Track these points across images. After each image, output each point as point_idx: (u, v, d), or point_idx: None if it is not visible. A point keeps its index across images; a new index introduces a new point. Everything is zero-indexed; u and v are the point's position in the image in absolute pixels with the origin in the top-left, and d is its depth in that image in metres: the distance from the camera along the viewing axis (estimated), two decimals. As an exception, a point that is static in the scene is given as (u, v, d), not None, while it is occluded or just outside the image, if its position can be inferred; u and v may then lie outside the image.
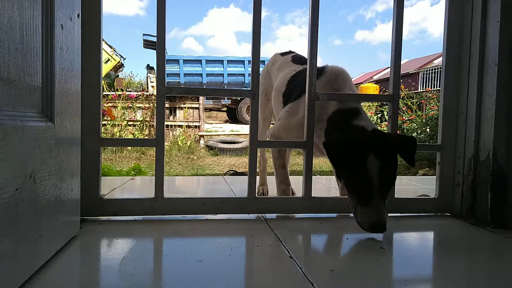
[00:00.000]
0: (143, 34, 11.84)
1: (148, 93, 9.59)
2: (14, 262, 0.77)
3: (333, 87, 1.53)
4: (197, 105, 9.69)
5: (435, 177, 1.65)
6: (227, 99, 12.86)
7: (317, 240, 1.31)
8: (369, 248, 1.19)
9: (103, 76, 2.82)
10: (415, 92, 9.24)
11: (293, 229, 1.39)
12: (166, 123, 1.87)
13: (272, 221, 1.45)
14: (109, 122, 8.26)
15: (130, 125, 8.65)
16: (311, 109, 1.47)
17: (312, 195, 1.50)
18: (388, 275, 1.01)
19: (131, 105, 8.92)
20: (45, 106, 0.93)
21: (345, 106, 1.46)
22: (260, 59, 1.46)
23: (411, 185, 2.54)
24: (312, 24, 1.46)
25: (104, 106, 8.19)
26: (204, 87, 11.26)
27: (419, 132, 6.59)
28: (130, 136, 8.23)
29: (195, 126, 9.45)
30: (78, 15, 1.14)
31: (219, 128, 10.76)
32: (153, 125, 8.55)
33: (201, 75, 12.06)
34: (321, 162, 5.95)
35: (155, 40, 1.41)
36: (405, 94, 8.26)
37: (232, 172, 4.80)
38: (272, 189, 1.89)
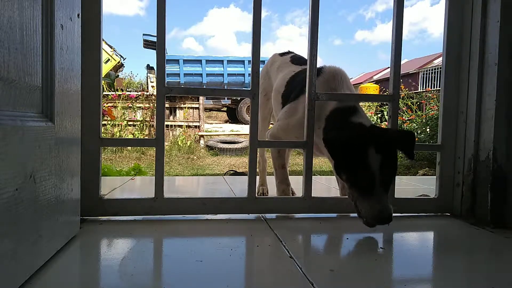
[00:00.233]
0: (143, 34, 11.85)
1: (148, 93, 9.59)
2: (14, 262, 0.77)
3: (331, 86, 1.54)
4: (197, 105, 9.68)
5: (435, 177, 1.65)
6: (227, 99, 12.86)
7: (317, 240, 1.31)
8: (369, 248, 1.19)
9: (103, 76, 2.82)
10: (415, 92, 9.23)
11: (293, 229, 1.39)
12: (166, 123, 1.87)
13: (272, 221, 1.45)
14: (109, 122, 8.26)
15: (130, 125, 8.64)
16: (311, 109, 1.47)
17: (312, 195, 1.50)
18: (388, 275, 1.01)
19: (131, 105, 8.92)
20: (45, 106, 0.93)
21: (343, 104, 1.47)
22: (260, 59, 1.46)
23: (411, 185, 2.54)
24: (312, 24, 1.46)
25: (104, 106, 8.19)
26: (204, 87, 11.26)
27: (419, 132, 6.59)
28: (130, 136, 8.22)
29: (195, 126, 9.44)
30: (78, 15, 1.14)
31: (219, 128, 10.76)
32: (153, 125, 8.54)
33: (201, 75, 12.06)
34: (321, 162, 5.95)
35: (155, 40, 1.41)
36: (405, 94, 8.25)
37: (232, 172, 4.80)
38: (272, 189, 1.89)
